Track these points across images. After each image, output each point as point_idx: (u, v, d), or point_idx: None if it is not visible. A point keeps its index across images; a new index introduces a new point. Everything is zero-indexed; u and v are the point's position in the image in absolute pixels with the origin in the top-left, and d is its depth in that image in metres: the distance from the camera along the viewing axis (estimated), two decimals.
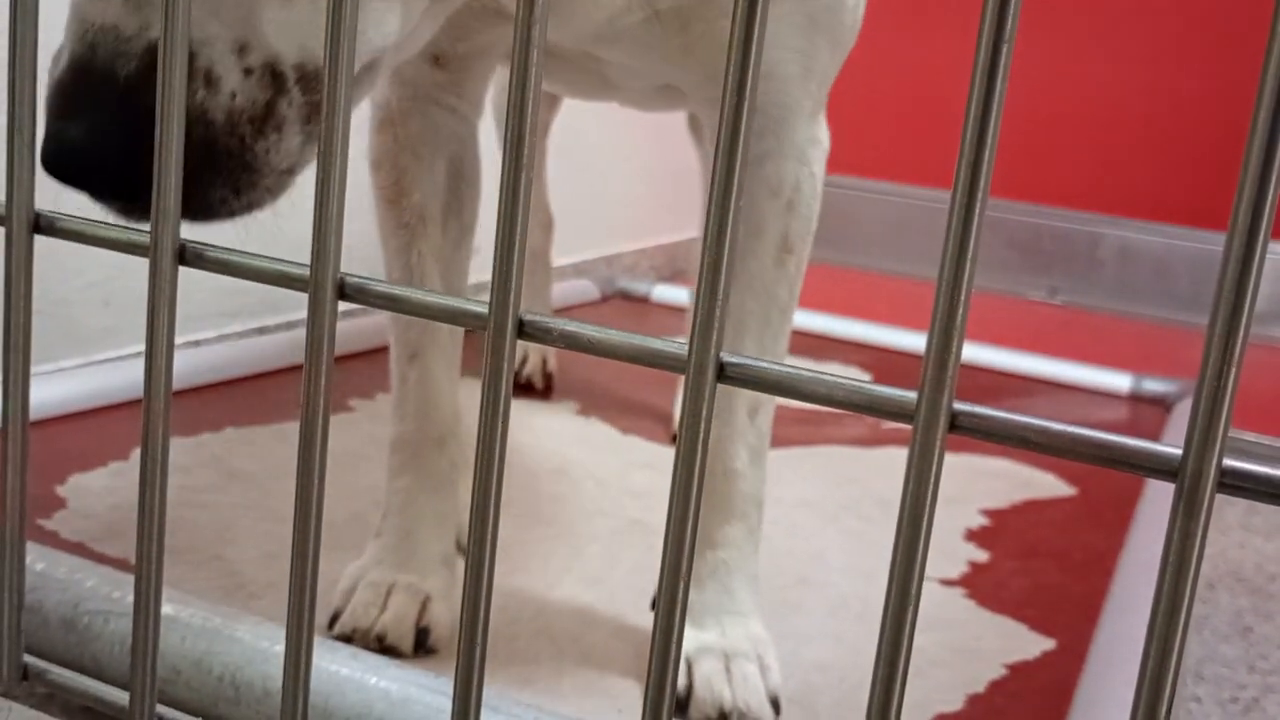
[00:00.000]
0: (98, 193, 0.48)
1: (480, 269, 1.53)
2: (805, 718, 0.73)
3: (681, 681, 0.73)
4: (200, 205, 0.48)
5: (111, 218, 0.50)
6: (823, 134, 0.77)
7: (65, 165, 0.47)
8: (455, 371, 0.81)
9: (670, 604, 0.40)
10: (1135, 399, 1.59)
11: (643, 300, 1.89)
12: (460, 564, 0.80)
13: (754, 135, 0.74)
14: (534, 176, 1.40)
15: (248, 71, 0.48)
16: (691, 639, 0.74)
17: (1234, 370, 0.31)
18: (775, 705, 0.73)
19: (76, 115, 0.46)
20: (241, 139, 0.48)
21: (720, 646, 0.74)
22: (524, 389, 1.35)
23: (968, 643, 0.85)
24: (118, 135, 0.45)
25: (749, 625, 0.77)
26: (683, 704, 0.72)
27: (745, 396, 0.75)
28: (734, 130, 0.37)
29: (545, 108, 1.36)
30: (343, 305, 0.45)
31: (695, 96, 0.77)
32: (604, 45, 0.70)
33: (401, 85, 0.76)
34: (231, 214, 0.50)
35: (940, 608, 0.90)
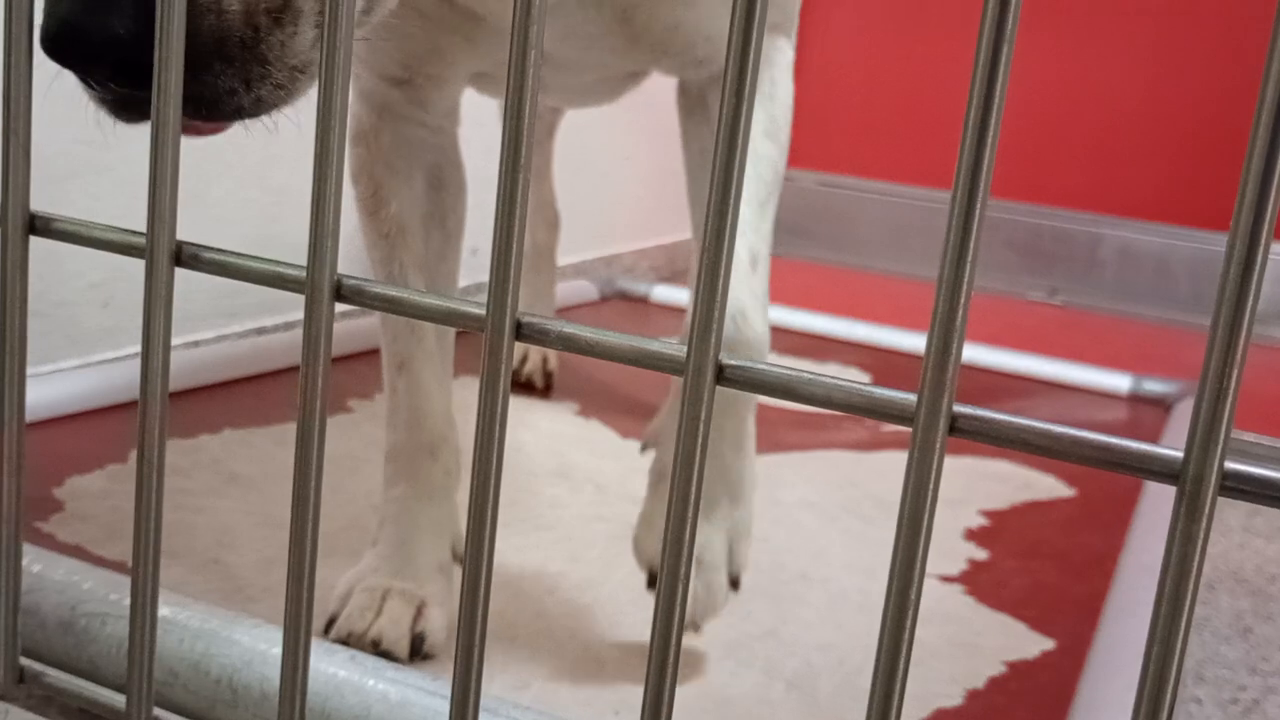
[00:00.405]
0: (100, 74, 0.45)
1: (481, 270, 1.52)
2: (805, 702, 0.73)
3: (658, 557, 0.75)
4: (208, 99, 0.46)
5: (111, 108, 0.47)
6: (783, 45, 0.78)
7: (66, 43, 0.44)
8: (446, 379, 0.81)
9: (669, 606, 0.40)
10: (1135, 400, 1.58)
11: (642, 301, 1.89)
12: (456, 572, 0.80)
13: (709, 81, 0.76)
14: (541, 176, 1.40)
15: None
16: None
17: (1236, 373, 0.31)
18: (735, 583, 0.77)
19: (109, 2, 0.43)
20: (256, 29, 0.46)
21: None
22: (524, 387, 1.35)
23: (968, 638, 0.85)
24: (123, 13, 0.43)
25: (733, 508, 0.78)
26: (655, 577, 0.75)
27: (744, 245, 0.74)
28: (732, 133, 0.37)
29: (551, 110, 1.36)
30: (341, 305, 0.44)
31: (653, 70, 0.78)
32: (552, 39, 0.71)
33: (368, 100, 0.77)
34: (239, 110, 0.47)
35: (940, 603, 0.90)
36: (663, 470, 0.80)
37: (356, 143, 0.77)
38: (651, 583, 0.76)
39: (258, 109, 0.48)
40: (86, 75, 0.46)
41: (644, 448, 0.85)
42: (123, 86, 0.45)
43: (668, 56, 0.73)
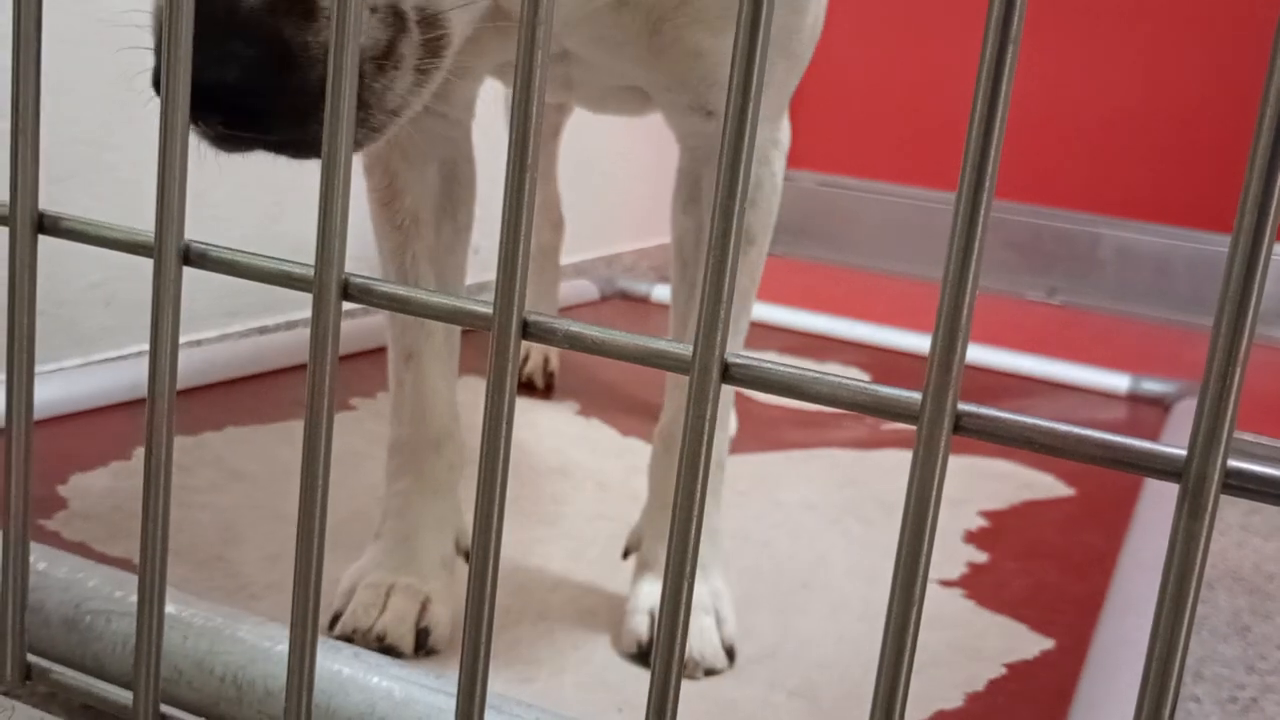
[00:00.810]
0: (213, 119, 0.47)
1: (483, 269, 1.53)
2: (808, 710, 0.73)
3: (644, 633, 0.78)
4: (310, 143, 0.47)
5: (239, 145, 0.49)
6: (783, 135, 0.81)
7: (223, 102, 0.46)
8: (452, 373, 0.81)
9: (674, 606, 0.40)
10: (1134, 399, 1.59)
11: (642, 300, 1.89)
12: (459, 566, 0.81)
13: (715, 137, 0.76)
14: (546, 177, 1.40)
15: (373, 10, 0.47)
16: (654, 592, 0.79)
17: (1239, 371, 0.32)
18: (730, 654, 0.78)
19: (229, 51, 0.45)
20: (361, 77, 0.47)
21: None
22: (525, 388, 1.35)
23: (967, 642, 0.85)
24: (238, 63, 0.45)
25: (709, 580, 0.81)
26: (645, 653, 0.77)
27: None
28: (738, 135, 0.37)
29: (556, 110, 1.36)
30: (345, 305, 0.45)
31: (661, 100, 0.78)
32: (571, 34, 0.71)
33: None
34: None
35: (940, 607, 0.90)
36: (645, 563, 0.83)
37: None
38: (639, 656, 0.77)
39: (351, 149, 0.49)
40: (199, 120, 0.47)
41: (626, 553, 0.86)
42: (231, 129, 0.47)
43: (684, 88, 0.74)
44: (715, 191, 0.38)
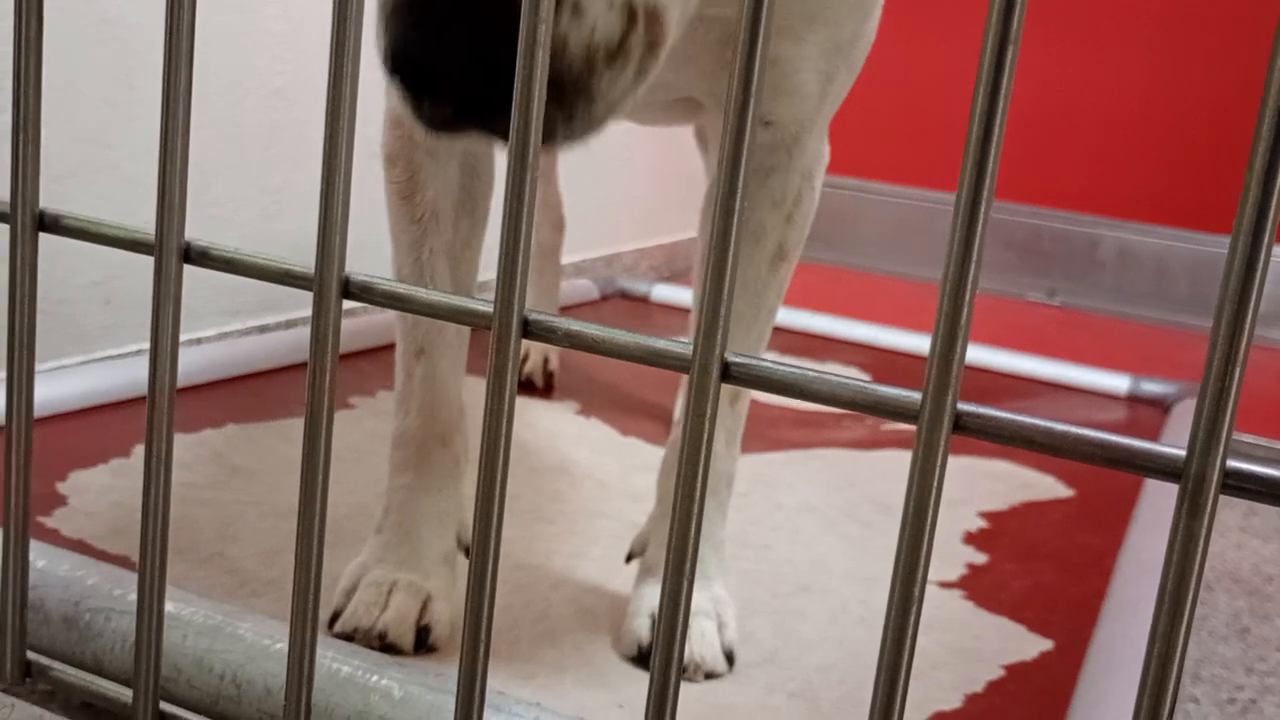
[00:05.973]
0: (443, 107, 0.47)
1: (485, 267, 1.52)
2: (807, 712, 0.73)
3: (645, 636, 0.78)
4: (549, 132, 0.48)
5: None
6: (826, 150, 0.81)
7: (413, 75, 0.45)
8: (461, 368, 0.81)
9: (674, 603, 0.40)
10: (1134, 400, 1.59)
11: (642, 300, 1.89)
12: (461, 562, 0.81)
13: (766, 149, 0.75)
14: (547, 178, 1.40)
15: (610, 5, 0.48)
16: (656, 596, 0.78)
17: (1238, 372, 0.32)
18: (730, 658, 0.79)
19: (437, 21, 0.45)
20: (591, 69, 0.48)
21: None
22: (524, 387, 1.36)
23: (966, 644, 0.85)
24: (473, 42, 0.44)
25: (711, 587, 0.81)
26: (645, 655, 0.76)
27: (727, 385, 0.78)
28: (739, 132, 0.37)
29: None
30: (345, 303, 0.45)
31: (716, 110, 0.78)
32: None
33: None
34: (552, 140, 0.49)
35: (939, 609, 0.90)
36: (649, 567, 0.83)
37: (397, 125, 0.76)
38: (639, 659, 0.78)
39: (569, 141, 0.50)
40: (426, 101, 0.47)
41: (629, 558, 0.86)
42: (465, 117, 0.47)
43: None
44: (716, 187, 0.38)
